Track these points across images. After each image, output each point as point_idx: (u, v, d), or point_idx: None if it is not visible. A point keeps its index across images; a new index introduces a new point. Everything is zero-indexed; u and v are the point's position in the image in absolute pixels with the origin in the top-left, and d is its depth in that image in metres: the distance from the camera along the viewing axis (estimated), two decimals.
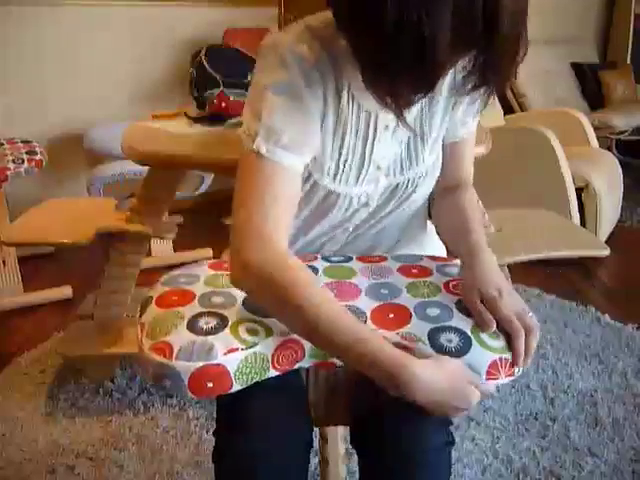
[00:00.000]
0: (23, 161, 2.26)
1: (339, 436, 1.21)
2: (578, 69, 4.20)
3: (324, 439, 1.20)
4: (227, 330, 0.78)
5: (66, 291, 2.38)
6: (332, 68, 0.81)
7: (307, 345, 0.82)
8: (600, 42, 4.61)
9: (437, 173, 0.98)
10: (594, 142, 3.15)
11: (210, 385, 0.75)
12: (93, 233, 1.67)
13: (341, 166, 0.88)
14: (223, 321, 0.79)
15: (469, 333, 0.79)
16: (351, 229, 0.99)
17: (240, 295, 0.85)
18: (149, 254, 2.53)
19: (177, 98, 3.14)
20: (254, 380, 0.78)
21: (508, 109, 3.80)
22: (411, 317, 0.82)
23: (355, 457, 0.87)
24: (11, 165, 2.22)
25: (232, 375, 0.76)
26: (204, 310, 0.82)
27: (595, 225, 2.67)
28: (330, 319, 0.74)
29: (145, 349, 0.78)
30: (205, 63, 1.65)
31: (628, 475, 1.47)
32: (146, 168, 1.69)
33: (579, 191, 2.67)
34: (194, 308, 0.82)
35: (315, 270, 0.93)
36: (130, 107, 3.15)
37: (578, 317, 2.18)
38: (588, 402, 1.73)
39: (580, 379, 1.83)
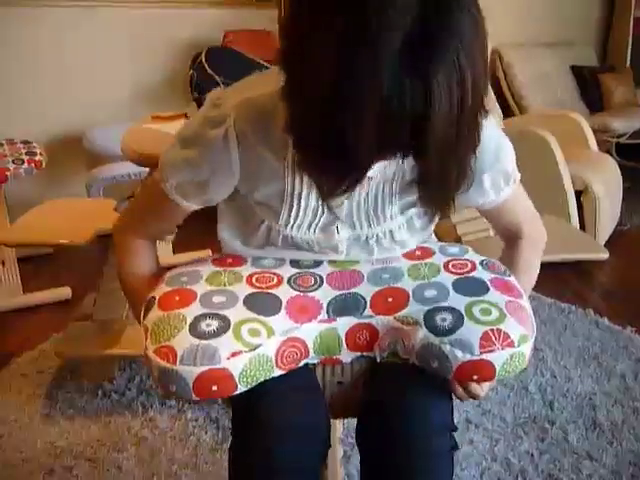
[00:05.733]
0: (23, 162, 2.26)
1: (337, 438, 1.21)
2: (578, 72, 4.20)
3: None
4: (230, 332, 0.78)
5: (65, 292, 2.38)
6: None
7: (311, 342, 0.83)
8: (600, 45, 4.61)
9: (426, 233, 0.97)
10: (593, 145, 3.15)
11: (215, 388, 0.76)
12: (92, 234, 1.67)
13: (293, 213, 0.86)
14: (225, 323, 0.80)
15: (462, 311, 0.81)
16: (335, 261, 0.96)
17: (241, 293, 0.86)
18: None
19: (177, 99, 3.14)
20: (259, 380, 0.79)
21: (507, 112, 3.80)
22: (409, 299, 0.84)
23: (352, 459, 0.87)
24: (11, 166, 2.22)
25: (236, 378, 0.77)
26: (206, 311, 0.82)
27: (594, 228, 2.68)
28: (130, 288, 0.97)
29: (149, 353, 0.78)
30: (205, 65, 1.65)
31: (627, 479, 1.46)
32: (146, 169, 1.69)
33: (578, 194, 2.67)
34: (196, 309, 0.82)
35: (319, 261, 0.94)
36: (130, 108, 3.15)
37: (577, 320, 2.18)
38: (587, 405, 1.73)
39: (579, 382, 1.83)
